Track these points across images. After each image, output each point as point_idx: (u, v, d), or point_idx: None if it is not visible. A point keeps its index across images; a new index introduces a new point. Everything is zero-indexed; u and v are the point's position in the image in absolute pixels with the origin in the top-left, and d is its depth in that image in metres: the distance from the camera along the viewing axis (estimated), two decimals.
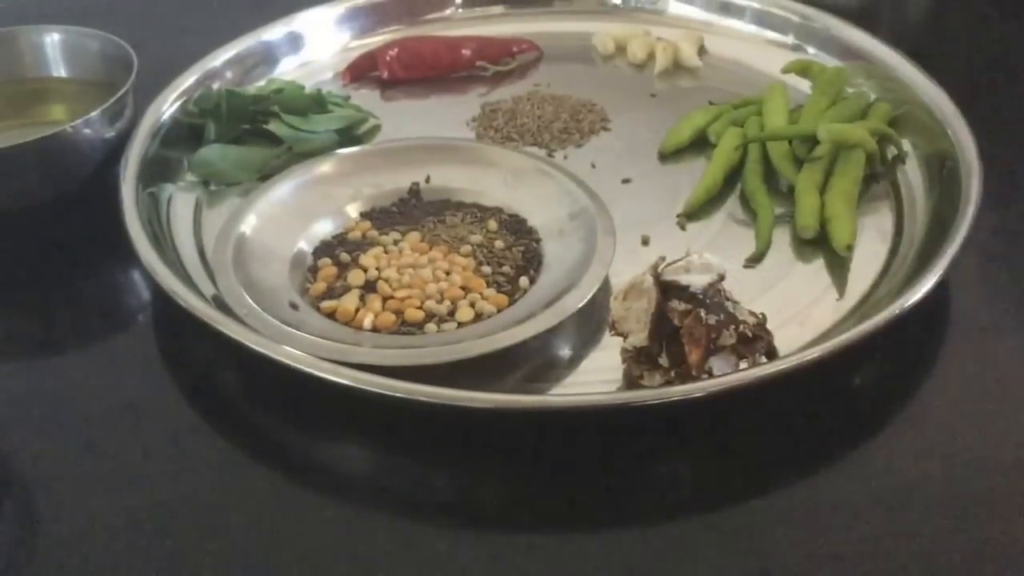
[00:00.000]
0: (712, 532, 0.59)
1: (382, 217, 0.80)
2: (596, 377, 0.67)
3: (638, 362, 0.64)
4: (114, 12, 1.12)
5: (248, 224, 0.76)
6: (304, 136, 0.88)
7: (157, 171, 0.84)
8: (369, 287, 0.73)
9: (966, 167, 0.78)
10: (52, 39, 0.90)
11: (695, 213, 0.82)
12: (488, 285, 0.73)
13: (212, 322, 0.67)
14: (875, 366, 0.69)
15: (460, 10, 1.09)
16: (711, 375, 0.62)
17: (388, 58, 0.99)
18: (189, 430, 0.66)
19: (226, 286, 0.71)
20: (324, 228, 0.79)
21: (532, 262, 0.75)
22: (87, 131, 0.79)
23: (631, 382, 0.65)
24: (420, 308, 0.71)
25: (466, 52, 1.01)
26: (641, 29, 1.05)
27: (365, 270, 0.74)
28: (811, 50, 1.01)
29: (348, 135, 0.91)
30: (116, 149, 0.82)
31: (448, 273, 0.74)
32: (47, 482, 0.63)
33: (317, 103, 0.92)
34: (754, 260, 0.77)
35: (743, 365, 0.63)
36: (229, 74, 0.96)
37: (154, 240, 0.75)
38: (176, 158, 0.87)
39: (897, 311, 0.66)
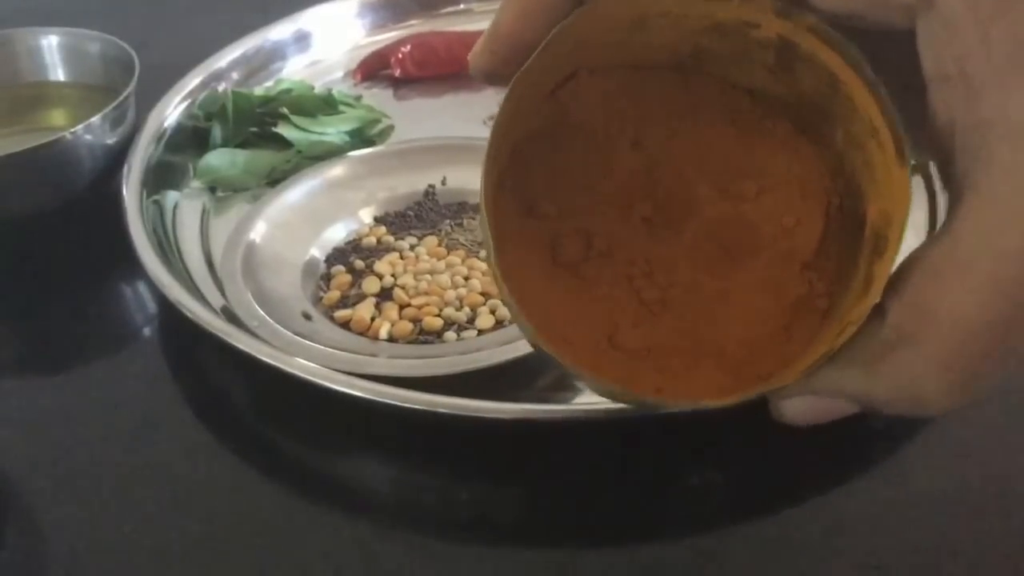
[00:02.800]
0: (747, 545, 0.59)
1: (397, 221, 0.80)
2: None
3: None
4: (114, 13, 1.12)
5: (257, 231, 0.76)
6: (314, 138, 0.88)
7: (161, 177, 0.84)
8: (385, 295, 0.73)
9: None
10: (50, 42, 0.91)
11: None
12: None
13: (221, 334, 0.67)
14: None
15: (476, 4, 1.10)
16: None
17: (401, 55, 0.99)
18: (198, 446, 0.66)
19: (235, 296, 0.71)
20: (337, 234, 0.79)
21: None
22: (88, 137, 0.79)
23: None
24: (438, 316, 0.71)
25: None
26: None
27: (380, 277, 0.74)
28: None
29: (360, 136, 0.91)
30: (118, 155, 0.82)
31: (467, 279, 0.74)
32: (49, 502, 0.63)
33: (327, 104, 0.92)
34: None
35: None
36: (235, 75, 0.97)
37: (159, 249, 0.75)
38: (181, 164, 0.87)
39: None
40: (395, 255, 0.76)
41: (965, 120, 0.38)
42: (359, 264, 0.76)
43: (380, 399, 0.62)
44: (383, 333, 0.70)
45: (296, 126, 0.89)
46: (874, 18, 0.40)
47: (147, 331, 0.76)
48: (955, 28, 0.37)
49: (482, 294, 0.72)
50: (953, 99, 0.38)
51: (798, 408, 0.46)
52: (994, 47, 0.36)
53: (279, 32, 1.01)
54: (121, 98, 0.81)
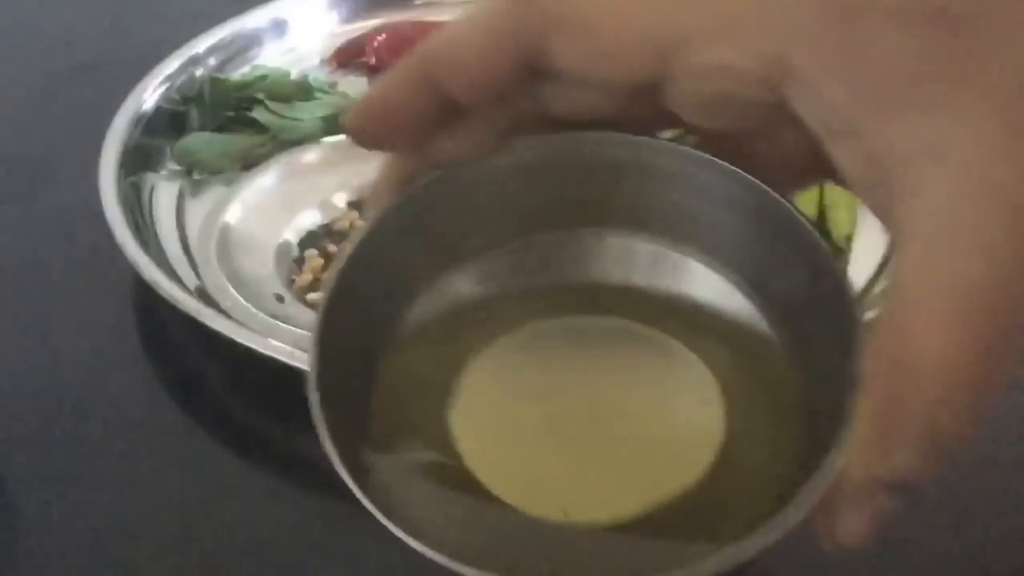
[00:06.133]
0: None
1: None
2: None
3: None
4: None
5: (232, 214, 0.78)
6: (289, 124, 0.89)
7: (139, 159, 0.85)
8: None
9: None
10: None
11: None
12: None
13: (195, 314, 0.68)
14: None
15: None
16: None
17: (376, 44, 1.00)
18: (172, 426, 0.67)
19: (210, 277, 0.72)
20: (310, 218, 0.80)
21: None
22: None
23: None
24: None
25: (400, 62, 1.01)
26: None
27: None
28: None
29: (335, 123, 0.91)
30: None
31: None
32: (21, 480, 0.64)
33: (303, 90, 0.93)
34: None
35: None
36: (212, 60, 0.97)
37: (135, 230, 0.76)
38: (158, 146, 0.88)
39: None
40: None
41: (865, 163, 0.37)
42: (332, 248, 0.77)
43: None
44: None
45: (272, 111, 0.89)
46: (746, 98, 0.39)
47: (122, 311, 0.76)
48: (821, 88, 0.37)
49: None
50: (848, 148, 0.38)
51: (850, 523, 0.39)
52: (861, 92, 0.36)
53: (256, 19, 1.01)
54: None
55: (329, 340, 0.41)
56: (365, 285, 0.43)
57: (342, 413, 0.41)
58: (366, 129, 0.44)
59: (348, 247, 0.43)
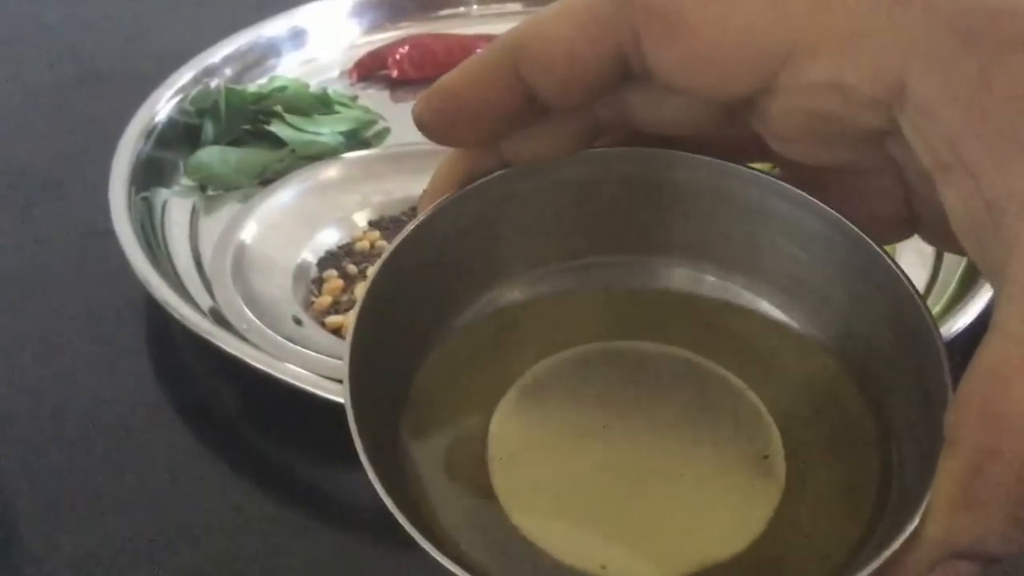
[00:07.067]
0: None
1: (392, 227, 0.79)
2: None
3: None
4: (107, 4, 1.11)
5: (248, 232, 0.76)
6: (308, 138, 0.87)
7: (151, 174, 0.83)
8: None
9: None
10: None
11: None
12: None
13: (209, 337, 0.66)
14: None
15: (476, 7, 1.09)
16: None
17: (398, 56, 0.99)
18: (184, 451, 0.66)
19: (224, 298, 0.71)
20: (330, 237, 0.78)
21: None
22: None
23: None
24: None
25: (481, 51, 1.00)
26: None
27: None
28: None
29: (355, 138, 0.90)
30: None
31: None
32: (30, 508, 0.62)
33: (322, 103, 0.91)
34: None
35: None
36: (228, 71, 0.95)
37: (147, 248, 0.74)
38: (171, 160, 0.86)
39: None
40: None
41: (976, 205, 0.34)
42: (352, 269, 0.75)
43: None
44: None
45: (290, 125, 0.88)
46: (852, 121, 0.36)
47: (133, 331, 0.75)
48: (937, 115, 0.34)
49: None
50: (960, 187, 0.35)
51: None
52: (981, 124, 0.34)
53: (274, 28, 1.00)
54: None
55: (363, 352, 0.39)
56: (406, 289, 0.41)
57: (375, 428, 0.39)
58: (438, 121, 0.40)
59: (394, 243, 0.40)
